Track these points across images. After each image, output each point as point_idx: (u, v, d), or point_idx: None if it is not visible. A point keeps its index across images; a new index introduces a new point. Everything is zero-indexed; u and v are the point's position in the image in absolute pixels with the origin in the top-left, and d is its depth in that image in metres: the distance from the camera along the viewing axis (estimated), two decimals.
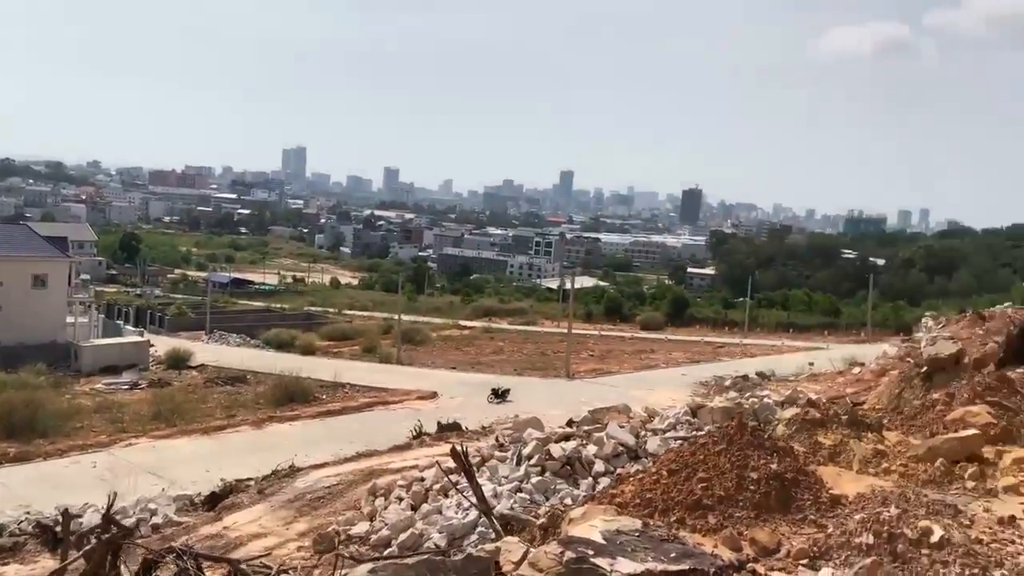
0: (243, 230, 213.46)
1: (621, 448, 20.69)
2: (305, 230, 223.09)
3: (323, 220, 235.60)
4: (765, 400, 27.10)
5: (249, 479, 19.25)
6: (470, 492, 12.18)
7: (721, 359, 47.70)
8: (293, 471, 19.71)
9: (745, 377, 37.80)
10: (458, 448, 11.00)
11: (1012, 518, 6.41)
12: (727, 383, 36.35)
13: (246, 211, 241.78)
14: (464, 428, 26.02)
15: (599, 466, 19.24)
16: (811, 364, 40.22)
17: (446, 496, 17.59)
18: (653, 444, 18.74)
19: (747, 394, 31.42)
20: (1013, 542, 5.97)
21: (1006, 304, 29.41)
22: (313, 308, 78.99)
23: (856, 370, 34.78)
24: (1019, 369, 14.64)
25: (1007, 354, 16.14)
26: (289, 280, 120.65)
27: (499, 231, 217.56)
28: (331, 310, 77.31)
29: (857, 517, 6.19)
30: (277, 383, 32.44)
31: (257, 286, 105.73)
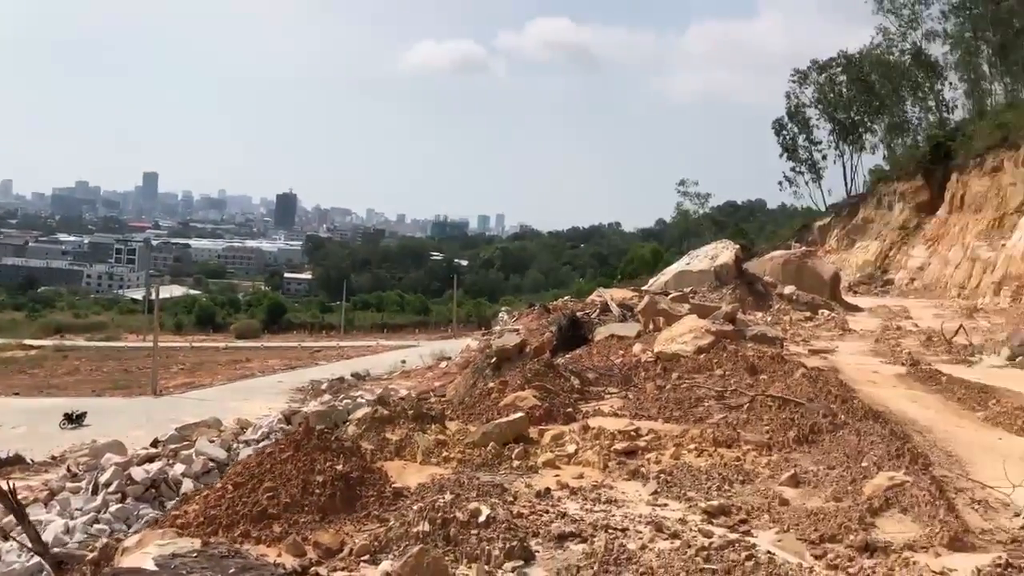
0: None
1: (212, 464, 19.83)
2: None
3: None
4: (359, 400, 27.70)
5: None
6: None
7: (319, 363, 47.92)
8: None
9: (341, 379, 38.38)
10: (2, 486, 9.71)
11: (547, 490, 7.20)
12: (323, 387, 36.62)
13: None
14: (30, 460, 23.22)
15: (188, 485, 18.23)
16: (403, 362, 42.00)
17: (6, 539, 15.53)
18: (245, 456, 18.21)
19: (342, 396, 31.94)
20: (547, 512, 6.70)
21: (566, 297, 33.06)
22: None
23: (444, 364, 37.00)
24: (568, 354, 16.61)
25: (560, 341, 18.22)
26: None
27: (72, 238, 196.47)
28: None
29: (416, 507, 6.52)
30: None
31: None
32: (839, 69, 55.13)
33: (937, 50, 49.40)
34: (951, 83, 49.73)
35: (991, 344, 17.78)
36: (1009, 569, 5.51)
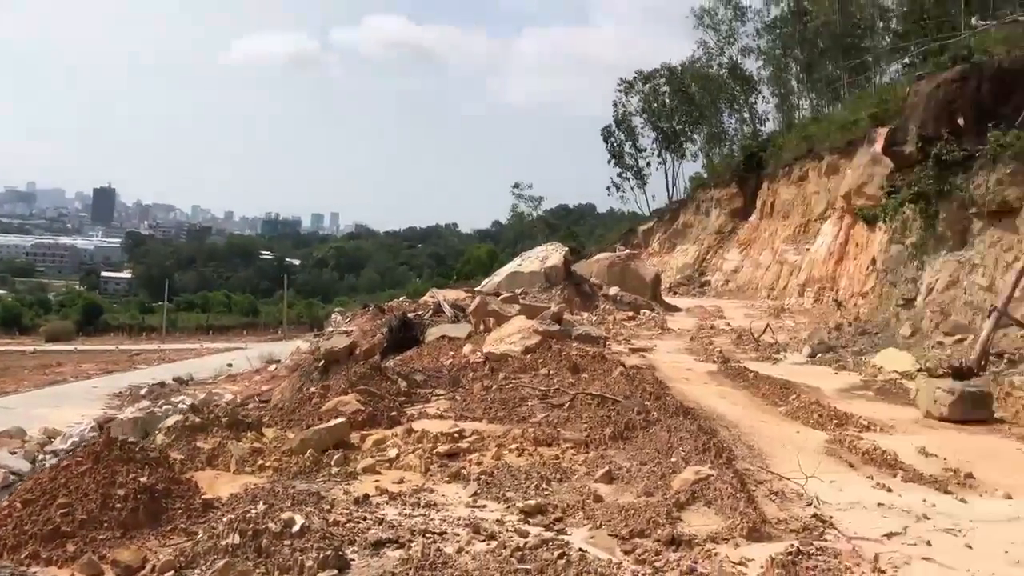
0: None
1: (14, 477, 18.39)
2: None
3: None
4: (180, 406, 26.37)
5: None
6: None
7: (138, 367, 45.28)
8: None
9: (162, 384, 36.43)
10: None
11: (366, 496, 7.09)
12: (143, 392, 34.69)
13: None
14: None
15: None
16: (230, 365, 40.33)
17: None
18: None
19: (162, 402, 30.33)
20: (365, 519, 6.58)
21: (402, 298, 32.80)
22: None
23: (272, 367, 35.81)
24: (398, 356, 16.49)
25: (390, 343, 18.05)
26: None
27: None
28: None
29: (226, 519, 6.26)
30: None
31: None
32: (662, 80, 57.66)
33: (752, 65, 52.67)
34: (764, 97, 53.09)
35: (794, 342, 19.08)
36: (800, 556, 5.88)
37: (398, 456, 8.24)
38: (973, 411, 10.81)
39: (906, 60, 34.01)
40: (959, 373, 12.98)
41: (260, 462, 7.92)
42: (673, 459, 7.89)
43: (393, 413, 9.88)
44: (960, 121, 16.41)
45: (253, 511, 6.30)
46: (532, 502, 6.91)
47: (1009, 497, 7.64)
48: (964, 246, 16.25)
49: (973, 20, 21.88)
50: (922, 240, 17.22)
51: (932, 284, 16.64)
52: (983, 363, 13.60)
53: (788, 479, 7.68)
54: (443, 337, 17.08)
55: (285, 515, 6.22)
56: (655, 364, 14.93)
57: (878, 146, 22.84)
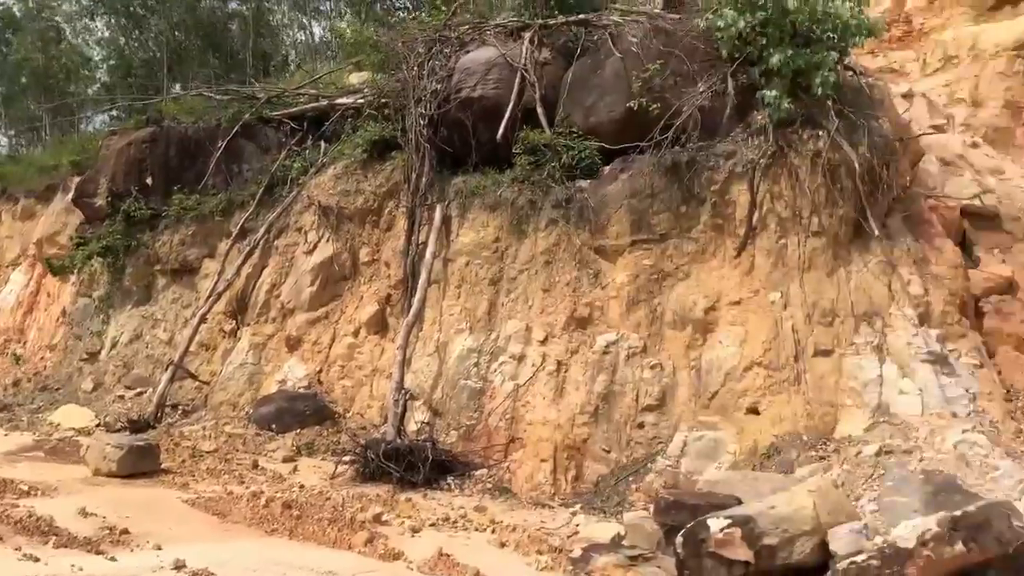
0: None
1: None
2: None
3: None
4: None
5: None
6: None
7: None
8: None
9: None
10: None
11: None
12: None
13: None
14: None
15: None
16: None
17: None
18: None
19: None
20: None
21: None
22: None
23: None
24: None
25: None
26: None
27: None
28: None
29: None
30: None
31: None
32: None
33: None
34: None
35: None
36: None
37: None
38: (141, 464, 10.97)
39: (114, 113, 34.23)
40: (137, 426, 13.28)
41: None
42: None
43: None
44: (149, 181, 16.99)
45: None
46: None
47: (159, 548, 7.84)
48: (149, 301, 16.76)
49: (176, 87, 23.23)
50: (109, 294, 17.26)
51: (117, 338, 16.74)
52: (159, 415, 14.13)
53: None
54: None
55: None
56: None
57: (72, 195, 22.29)
